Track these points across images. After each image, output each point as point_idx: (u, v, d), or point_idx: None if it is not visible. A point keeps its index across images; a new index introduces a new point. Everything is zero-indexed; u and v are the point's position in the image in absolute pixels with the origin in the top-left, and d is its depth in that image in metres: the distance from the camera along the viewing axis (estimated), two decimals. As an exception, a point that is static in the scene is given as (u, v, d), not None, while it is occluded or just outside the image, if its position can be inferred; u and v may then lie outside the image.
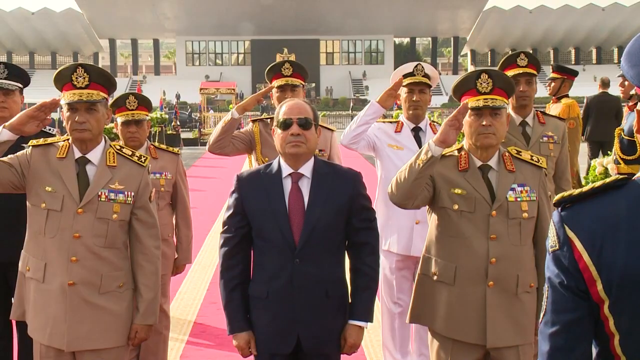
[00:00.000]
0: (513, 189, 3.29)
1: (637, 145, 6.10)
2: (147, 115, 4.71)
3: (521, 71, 4.70)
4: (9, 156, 3.30)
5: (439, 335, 3.35)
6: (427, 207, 3.42)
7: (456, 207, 3.28)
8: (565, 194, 1.75)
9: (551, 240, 1.75)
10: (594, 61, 68.68)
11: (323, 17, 62.28)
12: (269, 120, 4.56)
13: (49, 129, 4.39)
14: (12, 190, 3.34)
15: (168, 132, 25.60)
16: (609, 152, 6.90)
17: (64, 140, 3.38)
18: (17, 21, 64.53)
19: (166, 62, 78.14)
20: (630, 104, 6.78)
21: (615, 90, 8.23)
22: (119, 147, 3.46)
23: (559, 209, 1.75)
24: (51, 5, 64.13)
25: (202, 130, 31.46)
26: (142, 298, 3.35)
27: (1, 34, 65.06)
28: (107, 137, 3.47)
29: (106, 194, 3.29)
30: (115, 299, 3.32)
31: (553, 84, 7.84)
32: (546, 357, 1.75)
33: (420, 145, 4.38)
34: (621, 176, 1.73)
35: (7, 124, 3.21)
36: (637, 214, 1.66)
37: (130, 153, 3.45)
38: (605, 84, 10.81)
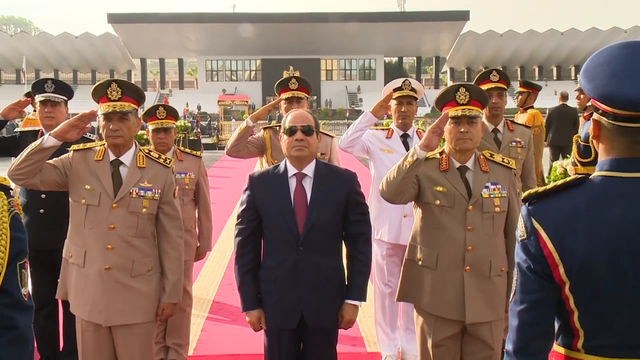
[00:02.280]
0: (487, 187, 3.27)
1: (592, 149, 6.09)
2: (174, 124, 4.69)
3: (493, 86, 4.69)
4: (54, 159, 3.30)
5: (423, 312, 3.33)
6: (413, 202, 3.41)
7: (438, 202, 3.26)
8: (532, 191, 1.75)
9: (520, 231, 1.74)
10: (555, 77, 68.45)
11: (323, 40, 62.19)
12: (277, 127, 4.55)
13: (89, 135, 4.39)
14: (56, 188, 3.34)
15: (190, 138, 25.51)
16: (567, 155, 6.89)
17: (101, 145, 3.37)
18: (62, 44, 64.52)
19: (189, 78, 77.98)
20: (586, 114, 6.76)
21: (573, 102, 8.18)
22: (147, 151, 3.45)
23: (527, 204, 1.74)
24: (91, 30, 64.44)
25: (219, 136, 31.43)
26: (168, 280, 3.35)
27: (49, 55, 65.10)
28: (137, 142, 3.46)
29: (137, 191, 3.28)
30: (145, 281, 3.31)
31: (520, 96, 7.84)
32: (515, 331, 1.74)
33: (407, 149, 4.36)
34: (579, 176, 1.72)
35: (52, 131, 3.21)
36: (593, 208, 1.66)
37: (157, 156, 3.44)
38: (564, 97, 10.81)
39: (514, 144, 4.69)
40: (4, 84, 57.65)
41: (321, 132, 3.68)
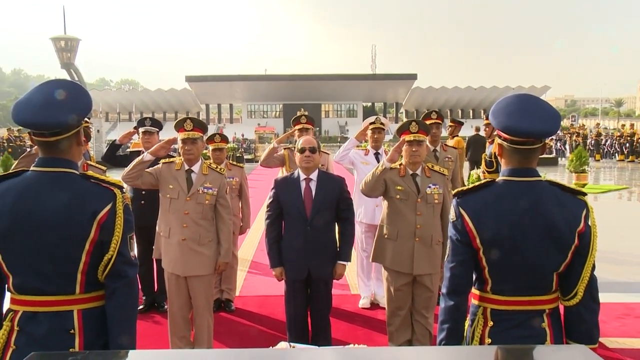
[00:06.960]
0: (429, 187, 3.26)
1: (494, 163, 6.10)
2: (225, 145, 4.69)
3: (433, 121, 4.68)
4: (150, 168, 3.31)
5: (388, 268, 3.33)
6: (382, 197, 3.40)
7: (398, 197, 3.26)
8: (460, 189, 1.75)
9: (452, 215, 1.74)
10: (471, 117, 68.02)
11: (323, 91, 62.30)
12: (293, 148, 4.54)
13: (172, 153, 4.38)
14: (151, 187, 3.34)
15: (237, 155, 25.45)
16: (479, 167, 6.87)
17: (179, 160, 3.37)
18: (157, 95, 64.70)
19: (236, 116, 77.73)
20: (490, 140, 6.77)
21: (482, 132, 8.19)
22: (209, 163, 3.44)
23: (456, 197, 1.74)
24: (175, 85, 64.52)
25: (255, 154, 31.37)
26: (222, 247, 3.33)
27: (149, 102, 65.17)
28: (202, 157, 3.45)
29: (202, 189, 3.28)
30: (207, 247, 3.29)
31: (450, 128, 7.83)
32: (448, 279, 1.74)
33: (378, 162, 4.35)
34: (489, 180, 1.74)
35: (149, 151, 3.23)
36: (498, 200, 1.67)
37: (215, 166, 3.43)
38: (477, 129, 10.85)
39: (446, 159, 4.69)
40: (121, 122, 57.73)
41: (322, 151, 3.67)
